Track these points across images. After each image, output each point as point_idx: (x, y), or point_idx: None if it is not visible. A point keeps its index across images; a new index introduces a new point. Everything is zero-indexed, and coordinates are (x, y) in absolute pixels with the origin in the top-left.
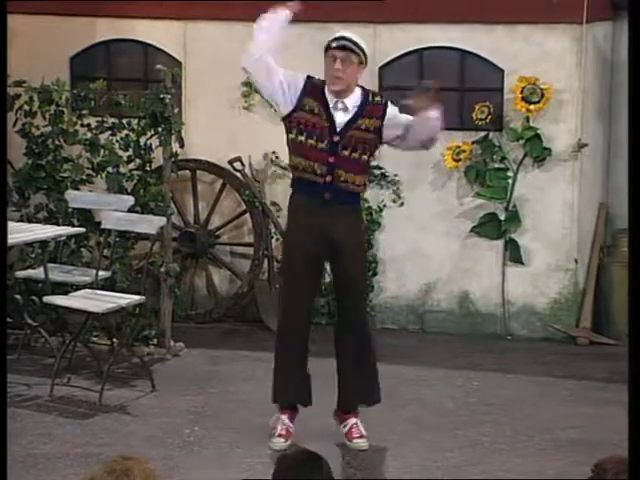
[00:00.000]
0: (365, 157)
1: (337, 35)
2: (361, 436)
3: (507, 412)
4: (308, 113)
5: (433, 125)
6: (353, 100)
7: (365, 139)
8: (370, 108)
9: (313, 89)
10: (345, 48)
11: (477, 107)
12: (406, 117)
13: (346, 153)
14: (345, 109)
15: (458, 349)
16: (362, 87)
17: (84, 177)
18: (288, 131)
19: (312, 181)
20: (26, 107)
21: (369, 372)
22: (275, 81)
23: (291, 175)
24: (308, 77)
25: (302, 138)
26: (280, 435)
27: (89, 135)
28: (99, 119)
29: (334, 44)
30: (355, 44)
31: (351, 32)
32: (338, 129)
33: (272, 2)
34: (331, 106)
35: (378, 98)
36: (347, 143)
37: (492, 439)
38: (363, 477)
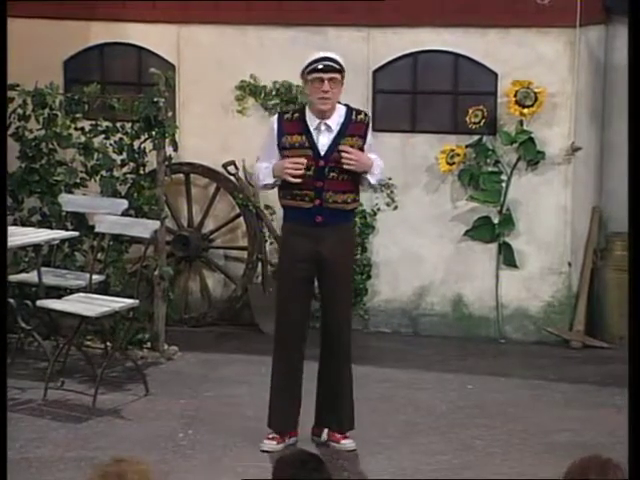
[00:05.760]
0: (353, 175)
1: (319, 56)
2: (345, 437)
3: (500, 415)
4: (289, 149)
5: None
6: (336, 119)
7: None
8: (353, 126)
9: (288, 124)
10: (331, 69)
11: (471, 111)
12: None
13: (334, 175)
14: (328, 129)
15: (452, 352)
16: (347, 105)
17: (78, 181)
18: None
19: (302, 207)
20: (20, 111)
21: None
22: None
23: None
24: (278, 116)
25: None
26: (273, 438)
27: (83, 139)
28: (93, 123)
29: (320, 66)
30: (338, 63)
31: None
32: (322, 153)
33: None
34: (313, 129)
35: (362, 116)
36: (333, 165)
37: (486, 442)
38: None
